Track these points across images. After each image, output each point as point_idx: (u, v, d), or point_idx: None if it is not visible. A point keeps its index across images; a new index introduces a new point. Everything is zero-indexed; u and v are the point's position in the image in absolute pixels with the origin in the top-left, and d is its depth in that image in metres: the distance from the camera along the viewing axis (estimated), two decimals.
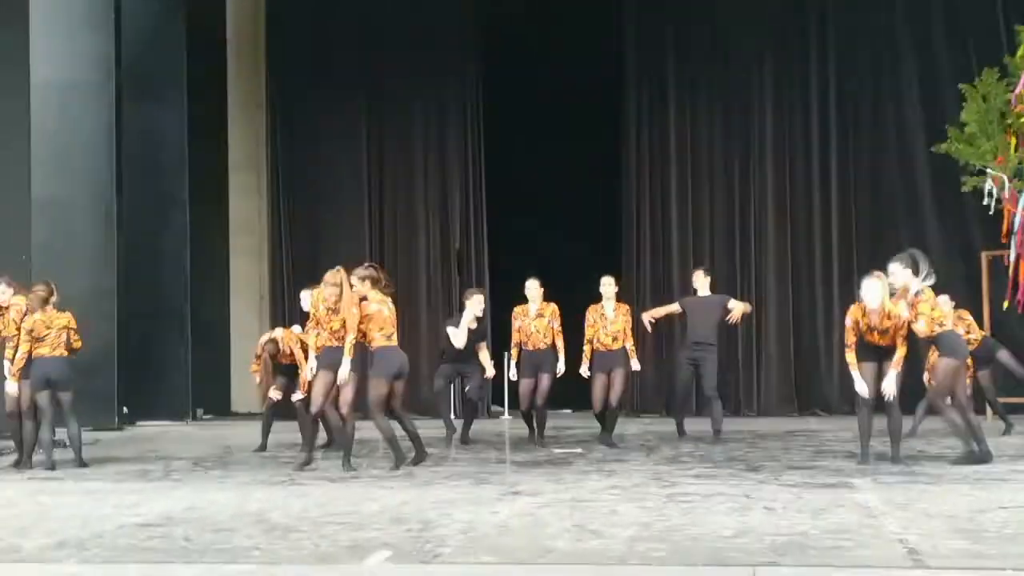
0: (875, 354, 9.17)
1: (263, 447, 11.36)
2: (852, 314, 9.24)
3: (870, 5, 15.97)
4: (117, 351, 14.29)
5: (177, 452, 11.50)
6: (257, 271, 17.50)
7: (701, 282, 12.03)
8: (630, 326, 11.49)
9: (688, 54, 16.41)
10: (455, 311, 15.49)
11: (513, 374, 11.72)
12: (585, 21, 16.35)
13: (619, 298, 11.64)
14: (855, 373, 9.18)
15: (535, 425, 11.62)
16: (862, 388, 9.16)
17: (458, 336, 11.54)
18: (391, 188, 16.98)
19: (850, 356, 9.21)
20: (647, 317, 12.31)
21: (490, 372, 11.94)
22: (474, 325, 11.58)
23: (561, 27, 16.38)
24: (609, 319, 11.32)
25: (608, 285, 11.45)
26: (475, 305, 11.57)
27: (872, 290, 9.11)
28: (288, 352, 11.17)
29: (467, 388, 11.83)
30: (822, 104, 16.10)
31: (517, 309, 11.66)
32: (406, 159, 16.96)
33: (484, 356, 11.79)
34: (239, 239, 17.54)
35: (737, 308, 11.97)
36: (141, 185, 15.28)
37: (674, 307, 12.34)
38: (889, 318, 9.09)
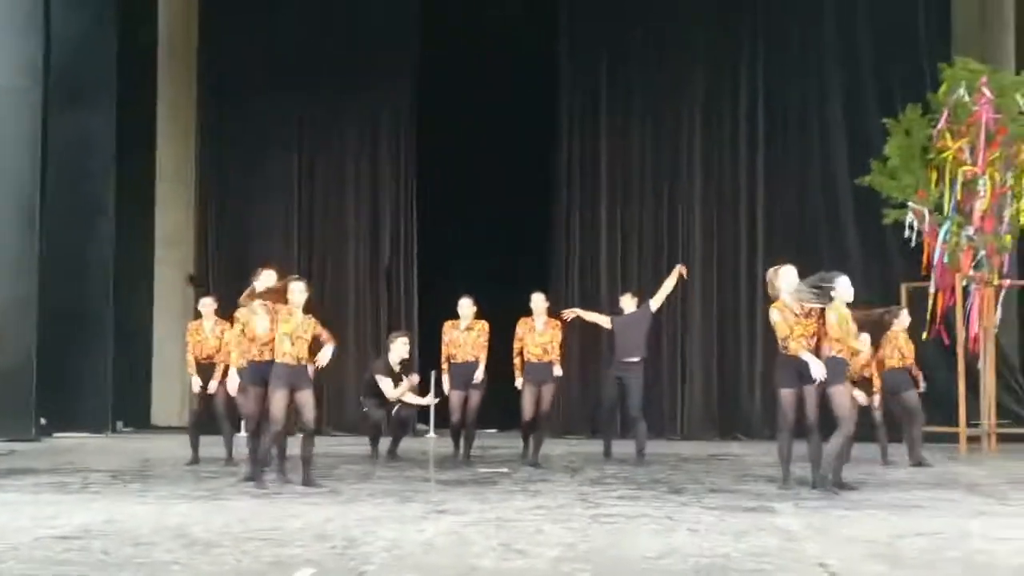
0: (796, 378, 9.21)
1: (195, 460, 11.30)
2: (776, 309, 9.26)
3: (799, 41, 16.26)
4: (36, 360, 14.02)
5: (96, 464, 11.30)
6: (183, 283, 17.28)
7: (628, 303, 12.12)
8: (559, 341, 11.59)
9: (620, 73, 16.55)
10: (383, 330, 15.49)
11: (446, 387, 11.77)
12: (517, 35, 16.45)
13: (550, 313, 11.73)
14: (805, 356, 9.04)
15: (464, 443, 11.69)
16: (818, 369, 9.00)
17: (390, 391, 11.86)
18: (321, 202, 16.89)
19: (792, 344, 9.13)
20: (572, 312, 12.29)
21: (428, 401, 12.51)
22: (397, 368, 11.95)
23: (494, 41, 16.45)
24: (538, 331, 11.45)
25: (539, 302, 11.57)
26: (399, 349, 11.93)
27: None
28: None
29: (401, 412, 12.06)
30: (750, 134, 16.32)
31: (446, 324, 11.79)
32: (336, 173, 16.89)
33: (411, 398, 12.08)
34: (165, 250, 17.34)
35: (668, 284, 12.08)
36: (67, 193, 15.04)
37: (604, 320, 12.24)
38: (809, 315, 9.11)
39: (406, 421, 12.40)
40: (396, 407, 12.01)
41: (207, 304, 11.67)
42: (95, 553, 6.27)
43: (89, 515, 7.71)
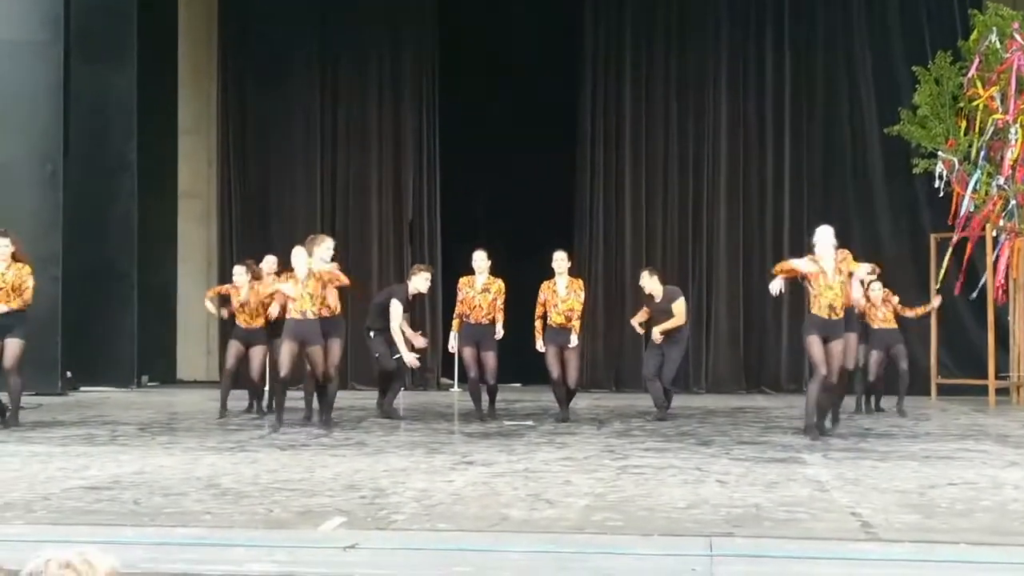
0: (822, 327, 9.40)
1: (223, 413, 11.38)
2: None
3: None
4: (61, 315, 14.06)
5: (123, 418, 11.35)
6: (205, 237, 17.30)
7: (649, 282, 11.60)
8: (581, 304, 11.33)
9: (644, 31, 16.38)
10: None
11: (452, 345, 11.53)
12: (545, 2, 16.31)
13: (572, 273, 11.48)
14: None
15: (488, 399, 11.39)
16: (775, 286, 9.73)
17: (396, 322, 11.31)
18: (343, 157, 16.82)
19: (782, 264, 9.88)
20: (636, 322, 12.03)
21: (420, 343, 11.88)
22: (414, 294, 11.51)
23: (521, 3, 16.30)
24: (560, 296, 11.17)
25: (560, 260, 11.28)
26: (419, 282, 11.45)
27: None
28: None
29: (396, 358, 11.48)
30: (777, 85, 16.15)
31: (462, 280, 11.46)
32: (360, 127, 16.80)
33: (407, 332, 11.62)
34: (187, 204, 17.33)
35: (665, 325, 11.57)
36: (89, 148, 15.01)
37: (646, 312, 11.87)
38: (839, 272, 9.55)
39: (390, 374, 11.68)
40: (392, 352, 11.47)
41: (240, 273, 11.63)
42: (126, 503, 6.29)
43: (118, 466, 7.74)
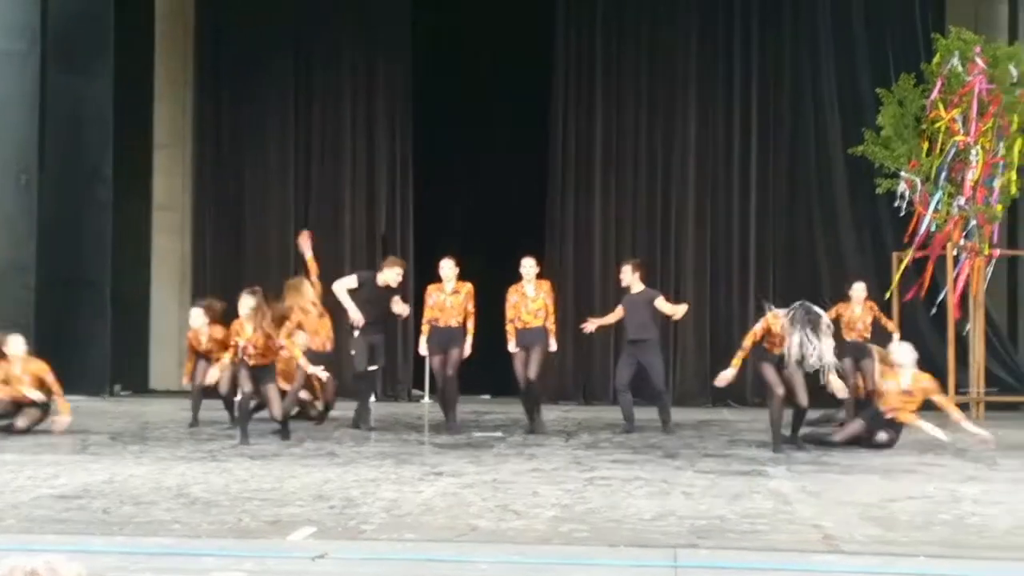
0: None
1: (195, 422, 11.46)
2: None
3: (793, 11, 16.24)
4: (34, 324, 14.04)
5: (94, 427, 11.37)
6: (179, 249, 17.29)
7: (631, 277, 11.67)
8: (552, 301, 11.43)
9: (615, 41, 16.52)
10: None
11: (422, 349, 11.51)
12: (517, 3, 16.43)
13: (540, 276, 11.51)
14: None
15: (444, 399, 11.42)
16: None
17: (343, 283, 11.41)
18: (317, 169, 16.88)
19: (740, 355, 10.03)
20: (592, 325, 12.03)
21: (401, 309, 11.79)
22: (383, 286, 11.42)
23: (492, 7, 16.42)
24: (530, 297, 11.27)
25: (529, 267, 11.32)
26: (390, 275, 11.39)
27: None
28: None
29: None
30: (744, 102, 16.31)
31: (431, 287, 11.45)
32: (333, 141, 16.86)
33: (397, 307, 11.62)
34: (162, 216, 17.33)
35: (666, 309, 11.77)
36: (64, 158, 15.01)
37: (617, 312, 11.93)
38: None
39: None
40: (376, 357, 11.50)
41: (198, 316, 11.64)
42: (95, 512, 6.35)
43: (88, 475, 7.78)
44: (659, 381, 11.60)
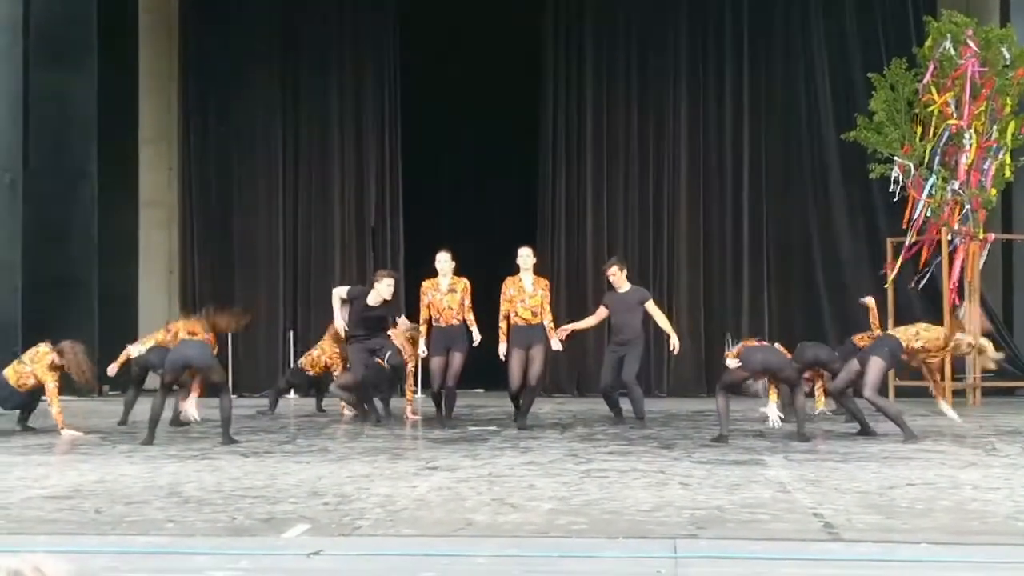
0: None
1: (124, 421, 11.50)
2: None
3: None
4: (21, 324, 13.93)
5: (84, 426, 11.26)
6: (167, 245, 17.21)
7: (618, 276, 11.37)
8: (548, 301, 11.08)
9: (605, 31, 16.49)
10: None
11: (423, 350, 11.28)
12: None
13: (536, 271, 11.21)
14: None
15: (444, 406, 11.23)
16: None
17: (338, 319, 11.21)
18: (305, 162, 16.80)
19: None
20: (566, 331, 11.50)
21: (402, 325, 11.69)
22: (378, 302, 11.17)
23: (482, 11, 16.36)
24: (527, 292, 10.85)
25: (526, 256, 10.96)
26: (383, 289, 11.10)
27: None
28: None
29: (387, 357, 11.28)
30: (735, 89, 16.29)
31: (426, 284, 11.12)
32: (321, 133, 16.79)
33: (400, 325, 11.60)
34: (148, 212, 17.22)
35: (658, 317, 11.54)
36: (49, 155, 14.90)
37: (599, 313, 11.64)
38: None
39: (398, 371, 11.60)
40: (383, 354, 11.32)
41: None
42: (87, 512, 6.25)
43: (79, 475, 7.68)
44: (630, 374, 11.10)
